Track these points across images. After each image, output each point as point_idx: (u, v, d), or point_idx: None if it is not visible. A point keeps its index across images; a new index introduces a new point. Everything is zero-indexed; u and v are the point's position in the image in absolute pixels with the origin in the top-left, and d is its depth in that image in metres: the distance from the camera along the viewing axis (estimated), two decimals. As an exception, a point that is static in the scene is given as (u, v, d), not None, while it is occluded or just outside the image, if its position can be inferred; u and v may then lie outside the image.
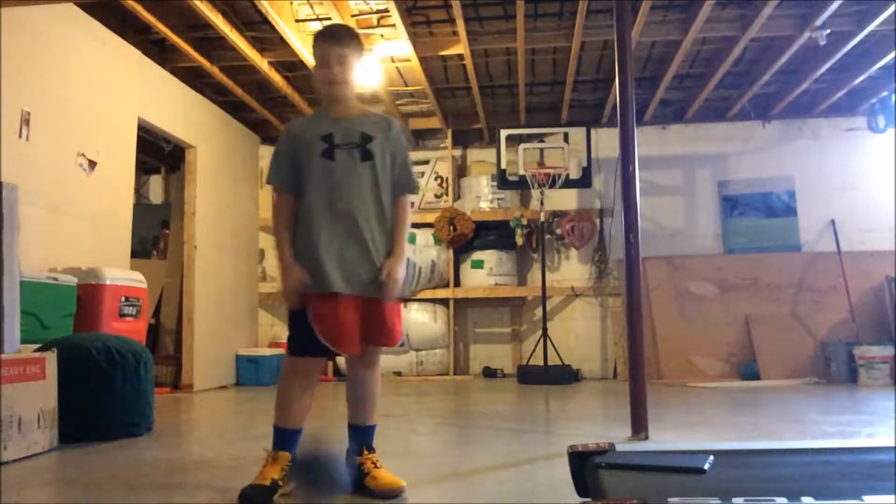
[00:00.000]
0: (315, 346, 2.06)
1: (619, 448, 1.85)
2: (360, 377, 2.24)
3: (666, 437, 3.06)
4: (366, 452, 2.17)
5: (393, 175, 2.18)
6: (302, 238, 2.12)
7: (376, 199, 2.13)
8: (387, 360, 6.48)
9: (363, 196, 2.11)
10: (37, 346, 3.06)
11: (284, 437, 2.14)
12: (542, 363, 6.05)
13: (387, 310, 2.14)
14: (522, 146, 6.38)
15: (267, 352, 6.29)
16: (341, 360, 6.55)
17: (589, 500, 1.58)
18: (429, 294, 6.62)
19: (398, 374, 6.49)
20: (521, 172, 6.25)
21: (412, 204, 2.28)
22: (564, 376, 5.99)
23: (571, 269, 6.80)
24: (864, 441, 2.91)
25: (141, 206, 6.58)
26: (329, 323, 2.06)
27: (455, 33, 4.93)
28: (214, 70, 5.32)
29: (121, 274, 4.05)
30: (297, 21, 4.80)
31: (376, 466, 2.13)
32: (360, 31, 4.86)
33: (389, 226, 2.16)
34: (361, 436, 2.21)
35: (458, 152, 7.11)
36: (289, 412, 2.13)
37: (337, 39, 2.14)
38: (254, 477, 2.09)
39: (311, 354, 2.12)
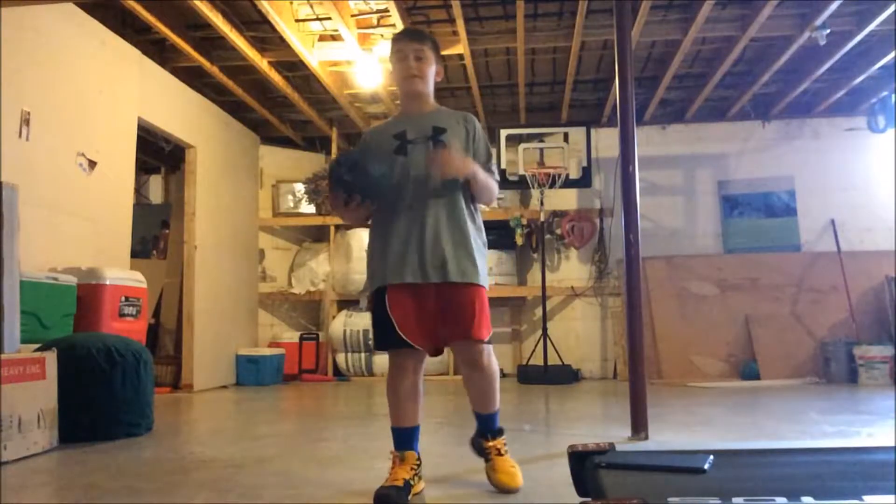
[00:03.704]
0: (393, 338, 2.11)
1: (619, 448, 1.85)
2: (465, 375, 2.27)
3: (666, 437, 3.06)
4: (489, 439, 2.25)
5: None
6: (375, 234, 2.21)
7: (447, 189, 2.14)
8: (387, 360, 6.46)
9: (434, 186, 2.13)
10: (37, 346, 3.06)
11: (403, 436, 2.19)
12: (542, 363, 6.05)
13: (463, 298, 2.13)
14: (522, 146, 6.38)
15: (267, 352, 6.29)
16: (341, 360, 6.57)
17: (589, 500, 1.58)
18: (429, 294, 6.61)
19: (398, 374, 6.48)
20: (521, 172, 6.25)
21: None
22: (564, 376, 5.99)
23: (571, 269, 6.80)
24: (864, 441, 2.91)
25: (141, 206, 6.58)
26: (401, 312, 2.12)
27: (455, 33, 4.92)
28: (214, 70, 5.32)
29: (121, 274, 4.05)
30: (297, 21, 4.80)
31: (500, 454, 2.22)
32: (360, 31, 4.87)
33: (463, 215, 2.17)
34: (481, 422, 2.29)
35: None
36: (397, 411, 2.20)
37: (414, 37, 2.25)
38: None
39: (392, 347, 2.16)
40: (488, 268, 2.28)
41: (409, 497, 2.08)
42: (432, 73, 2.25)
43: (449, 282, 2.12)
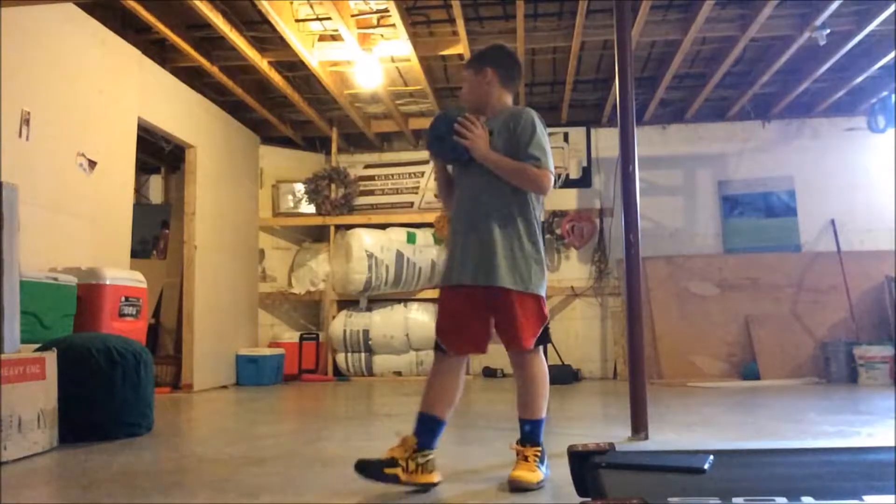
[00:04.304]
0: (438, 341, 2.28)
1: (619, 448, 1.85)
2: (515, 375, 2.35)
3: (666, 437, 3.06)
4: (518, 444, 2.28)
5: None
6: (448, 239, 2.44)
7: (497, 195, 2.27)
8: (387, 360, 6.49)
9: (481, 192, 2.28)
10: (37, 346, 3.06)
11: (419, 421, 2.24)
12: (542, 363, 6.04)
13: (512, 305, 2.21)
14: (522, 146, 6.37)
15: (267, 352, 6.29)
16: (341, 360, 6.57)
17: (589, 500, 1.58)
18: (429, 294, 6.62)
19: (398, 374, 6.49)
20: (521, 172, 6.23)
21: (555, 179, 2.43)
22: (564, 376, 5.99)
23: (571, 269, 6.80)
24: (864, 441, 2.91)
25: (141, 206, 6.58)
26: (443, 315, 2.29)
27: (455, 33, 4.92)
28: (214, 70, 5.32)
29: (121, 274, 4.05)
30: (297, 21, 4.80)
31: (526, 460, 2.22)
32: (360, 31, 4.87)
33: (514, 222, 2.26)
34: (521, 427, 2.32)
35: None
36: (424, 396, 2.27)
37: (464, 65, 2.51)
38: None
39: (436, 347, 2.30)
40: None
41: (390, 471, 2.10)
42: (476, 85, 2.40)
43: (493, 286, 2.21)
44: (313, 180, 6.87)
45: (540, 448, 2.28)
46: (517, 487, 2.15)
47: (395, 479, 2.10)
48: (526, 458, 2.24)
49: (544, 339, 2.30)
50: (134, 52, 4.71)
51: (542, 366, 2.32)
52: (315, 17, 4.82)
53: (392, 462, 2.11)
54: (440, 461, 2.55)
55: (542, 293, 2.29)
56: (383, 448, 2.44)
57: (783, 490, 1.47)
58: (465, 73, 2.47)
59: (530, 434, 2.29)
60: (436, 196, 6.75)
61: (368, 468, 2.10)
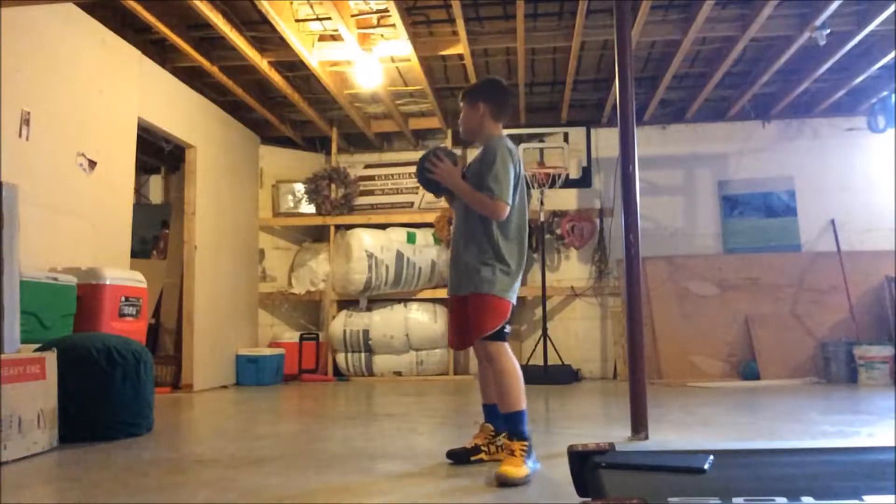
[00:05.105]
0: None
1: (619, 448, 1.85)
2: (489, 371, 2.54)
3: (666, 437, 3.06)
4: (505, 438, 2.42)
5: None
6: None
7: (469, 219, 2.55)
8: (387, 360, 6.49)
9: (462, 217, 2.59)
10: (37, 346, 3.06)
11: (485, 411, 2.66)
12: (542, 363, 6.05)
13: (467, 306, 2.50)
14: (522, 146, 6.39)
15: (267, 352, 6.29)
16: (341, 360, 6.57)
17: (589, 500, 1.58)
18: (429, 294, 6.63)
19: (398, 374, 6.49)
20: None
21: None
22: (564, 376, 5.99)
23: (571, 269, 6.80)
24: (864, 441, 2.91)
25: (141, 206, 6.58)
26: (450, 318, 2.74)
27: (455, 33, 4.92)
28: (214, 70, 5.32)
29: (121, 274, 4.05)
30: (297, 21, 4.80)
31: (512, 453, 2.29)
32: (360, 31, 4.87)
33: (477, 238, 2.51)
34: (503, 420, 2.46)
35: (458, 152, 7.10)
36: (481, 390, 2.69)
37: (461, 96, 2.72)
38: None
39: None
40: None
41: (475, 458, 2.51)
42: (470, 116, 2.66)
43: (461, 295, 2.55)
44: (313, 180, 6.87)
45: (527, 442, 2.33)
46: (503, 483, 2.17)
47: (480, 462, 2.50)
48: (512, 453, 2.28)
49: (500, 335, 2.46)
50: (134, 52, 4.71)
51: (508, 358, 2.44)
52: (315, 17, 4.82)
53: (476, 449, 2.54)
54: (442, 461, 2.56)
55: (502, 295, 2.46)
56: (383, 448, 2.46)
57: (783, 490, 1.47)
58: (461, 104, 2.69)
59: (511, 426, 2.38)
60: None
61: (459, 456, 2.52)
